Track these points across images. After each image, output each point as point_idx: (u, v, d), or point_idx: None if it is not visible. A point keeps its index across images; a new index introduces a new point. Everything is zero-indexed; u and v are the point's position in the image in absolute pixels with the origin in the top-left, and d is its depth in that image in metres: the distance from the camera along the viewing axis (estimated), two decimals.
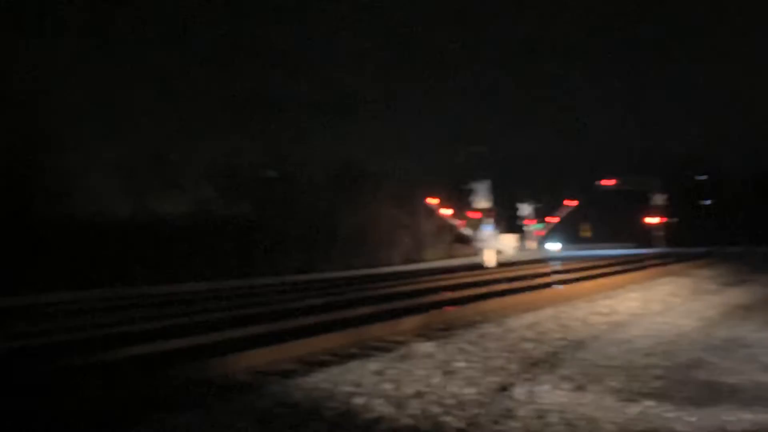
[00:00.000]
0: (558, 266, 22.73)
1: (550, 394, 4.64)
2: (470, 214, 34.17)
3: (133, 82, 52.43)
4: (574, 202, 48.35)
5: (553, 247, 48.23)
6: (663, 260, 24.20)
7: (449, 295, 11.87)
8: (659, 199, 47.00)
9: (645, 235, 47.90)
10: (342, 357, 6.38)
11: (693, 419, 3.99)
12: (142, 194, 29.09)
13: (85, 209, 25.59)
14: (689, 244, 41.23)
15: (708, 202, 52.45)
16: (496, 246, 30.14)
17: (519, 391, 4.70)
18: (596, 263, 23.08)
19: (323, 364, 5.97)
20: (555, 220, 48.18)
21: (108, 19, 58.62)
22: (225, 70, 66.96)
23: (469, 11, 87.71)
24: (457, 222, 37.24)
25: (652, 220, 47.39)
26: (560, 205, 48.39)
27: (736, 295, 11.16)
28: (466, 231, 36.19)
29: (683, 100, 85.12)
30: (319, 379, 5.05)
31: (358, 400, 4.54)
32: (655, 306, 9.85)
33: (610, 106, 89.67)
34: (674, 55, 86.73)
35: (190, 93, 59.61)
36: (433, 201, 37.98)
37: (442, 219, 38.42)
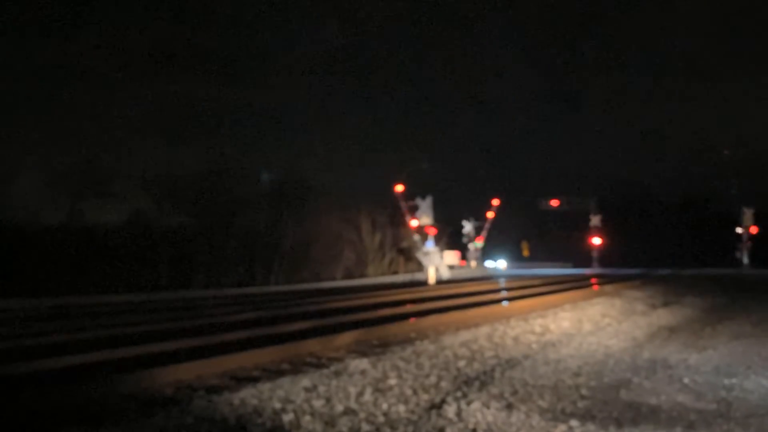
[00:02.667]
0: (496, 284, 23.09)
1: (480, 412, 4.67)
2: (413, 230, 33.83)
3: (68, 86, 50.84)
4: (497, 202, 47.50)
5: (498, 264, 48.29)
6: (597, 280, 24.92)
7: (387, 311, 11.86)
8: (596, 219, 48.55)
9: (582, 255, 49.35)
10: (273, 372, 6.25)
11: None
12: (75, 201, 28.07)
13: (12, 214, 24.55)
14: (622, 265, 42.73)
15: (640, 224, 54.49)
16: (437, 262, 30.37)
17: (449, 409, 4.71)
18: (532, 282, 23.57)
19: (253, 380, 5.83)
20: (481, 235, 47.76)
21: (43, 20, 56.73)
22: (165, 77, 65.71)
23: (416, 29, 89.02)
24: (414, 220, 34.54)
25: (588, 240, 48.86)
26: (485, 219, 47.77)
27: (663, 317, 11.58)
28: (417, 237, 34.41)
29: (615, 125, 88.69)
30: (248, 395, 4.93)
31: (287, 417, 4.46)
32: (586, 326, 10.10)
33: (549, 127, 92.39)
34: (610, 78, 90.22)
35: (129, 99, 58.18)
36: (399, 189, 34.58)
37: (402, 212, 36.20)
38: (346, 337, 8.10)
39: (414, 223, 32.20)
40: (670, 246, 51.99)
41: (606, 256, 47.53)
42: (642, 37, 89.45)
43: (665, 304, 14.06)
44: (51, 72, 53.87)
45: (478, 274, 38.98)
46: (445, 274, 31.06)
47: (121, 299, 18.15)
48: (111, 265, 24.60)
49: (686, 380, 5.85)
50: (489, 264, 48.06)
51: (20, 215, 25.47)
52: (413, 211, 31.59)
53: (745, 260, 38.71)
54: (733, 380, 5.83)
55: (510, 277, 31.30)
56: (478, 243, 47.00)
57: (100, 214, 28.82)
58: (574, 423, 4.39)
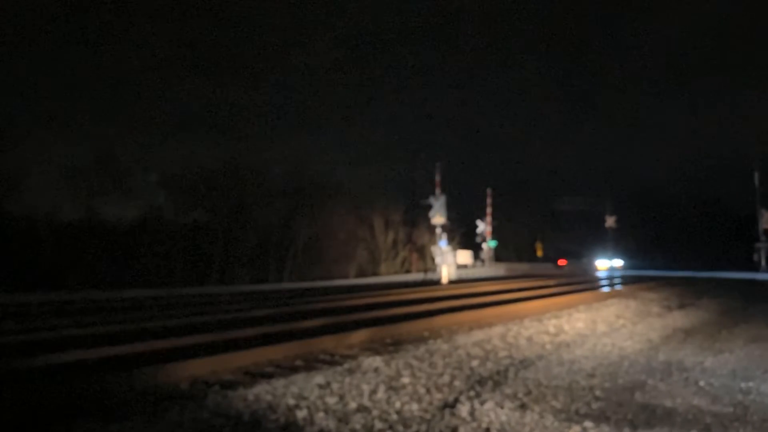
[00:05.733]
0: (509, 284, 22.98)
1: (494, 412, 4.66)
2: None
3: (85, 84, 51.37)
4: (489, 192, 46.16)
5: (613, 264, 45.31)
6: (612, 281, 24.76)
7: (400, 310, 11.86)
8: (611, 220, 48.22)
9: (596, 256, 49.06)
10: (287, 369, 6.28)
11: None
12: (91, 197, 28.35)
13: (31, 211, 24.86)
14: (638, 266, 42.39)
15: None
16: (450, 262, 30.29)
17: (463, 409, 4.71)
18: (547, 282, 23.46)
19: (267, 376, 5.87)
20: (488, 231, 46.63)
21: (61, 20, 57.32)
22: (182, 76, 66.20)
23: (429, 30, 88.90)
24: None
25: (605, 240, 48.53)
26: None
27: (678, 319, 11.47)
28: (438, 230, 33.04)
29: (634, 127, 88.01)
30: (262, 391, 4.96)
31: (301, 413, 4.48)
32: (600, 327, 10.04)
33: (565, 128, 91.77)
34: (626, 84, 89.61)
35: (143, 97, 58.66)
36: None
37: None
38: (360, 335, 8.11)
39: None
40: (685, 248, 51.52)
41: (622, 257, 47.24)
42: (657, 36, 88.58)
43: (681, 307, 13.94)
44: (69, 71, 54.40)
45: (491, 273, 38.88)
46: (452, 274, 30.79)
47: (137, 294, 18.31)
48: (126, 260, 24.83)
49: (702, 383, 5.80)
50: (603, 263, 45.71)
51: (38, 211, 25.78)
52: (426, 210, 31.41)
53: (763, 263, 38.22)
54: (750, 384, 5.77)
55: (530, 277, 31.15)
56: (492, 242, 46.83)
57: (117, 210, 29.11)
58: (588, 424, 4.37)
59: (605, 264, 45.66)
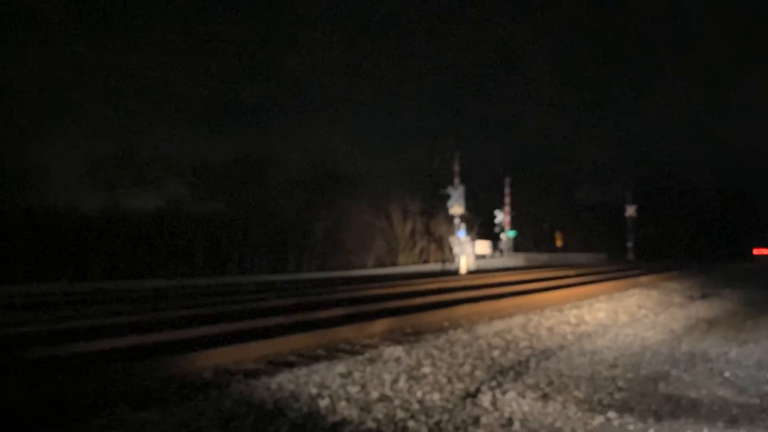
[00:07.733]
0: (528, 275, 22.87)
1: (516, 402, 4.65)
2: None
3: (104, 77, 51.88)
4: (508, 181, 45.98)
5: None
6: (633, 271, 24.55)
7: (420, 300, 11.86)
8: (631, 210, 47.77)
9: (617, 245, 48.68)
10: (309, 358, 6.32)
11: None
12: (112, 189, 28.68)
13: (52, 202, 25.21)
14: (659, 255, 41.94)
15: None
16: (469, 252, 30.18)
17: (484, 399, 4.70)
18: (567, 273, 23.30)
19: (289, 365, 5.91)
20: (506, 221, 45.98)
21: (78, 13, 57.83)
22: (199, 68, 66.55)
23: (444, 20, 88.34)
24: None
25: (625, 230, 48.14)
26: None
27: (701, 309, 11.34)
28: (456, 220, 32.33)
29: (651, 114, 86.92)
30: (285, 380, 5.00)
31: (323, 402, 4.50)
32: (622, 317, 9.96)
33: (584, 119, 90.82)
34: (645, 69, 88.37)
35: (162, 89, 59.11)
36: None
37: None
38: (380, 325, 8.13)
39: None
40: (707, 237, 50.87)
41: (642, 246, 46.79)
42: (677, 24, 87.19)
43: (703, 296, 13.77)
44: (88, 65, 54.99)
45: (510, 263, 38.71)
46: (471, 264, 30.64)
47: (158, 284, 18.52)
48: (147, 251, 25.11)
49: (727, 374, 5.73)
50: None
51: (60, 203, 26.15)
52: (444, 201, 31.30)
53: None
54: None
55: (544, 267, 30.98)
56: (510, 232, 46.58)
57: (137, 201, 29.43)
58: (611, 414, 4.34)
59: None
